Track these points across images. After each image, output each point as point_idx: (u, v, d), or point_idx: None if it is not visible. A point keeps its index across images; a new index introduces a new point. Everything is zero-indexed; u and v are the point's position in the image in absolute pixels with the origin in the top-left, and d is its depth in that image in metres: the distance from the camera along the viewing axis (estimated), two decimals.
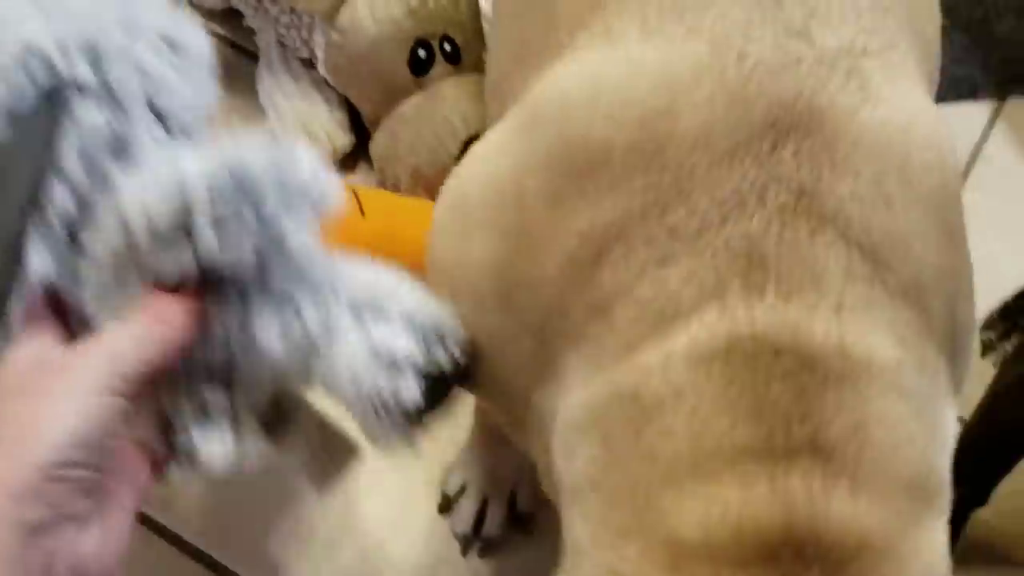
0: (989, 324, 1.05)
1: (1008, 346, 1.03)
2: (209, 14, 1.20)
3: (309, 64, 1.09)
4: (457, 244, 0.59)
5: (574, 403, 0.52)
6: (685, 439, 0.47)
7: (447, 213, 0.61)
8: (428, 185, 1.02)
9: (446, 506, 0.91)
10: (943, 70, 1.29)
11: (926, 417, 0.50)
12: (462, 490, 0.90)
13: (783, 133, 0.50)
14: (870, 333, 0.49)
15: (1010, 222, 1.14)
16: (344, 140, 1.08)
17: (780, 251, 0.49)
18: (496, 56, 0.72)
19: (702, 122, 0.50)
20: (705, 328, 0.48)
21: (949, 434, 0.53)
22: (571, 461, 0.52)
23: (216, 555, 0.88)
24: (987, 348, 1.04)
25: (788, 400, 0.47)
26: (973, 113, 1.26)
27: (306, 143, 1.06)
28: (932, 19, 0.65)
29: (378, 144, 1.06)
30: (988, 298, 1.08)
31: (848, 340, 0.48)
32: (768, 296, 0.48)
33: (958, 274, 0.55)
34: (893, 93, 0.53)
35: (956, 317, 0.54)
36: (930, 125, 0.54)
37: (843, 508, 0.46)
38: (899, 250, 0.51)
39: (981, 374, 1.04)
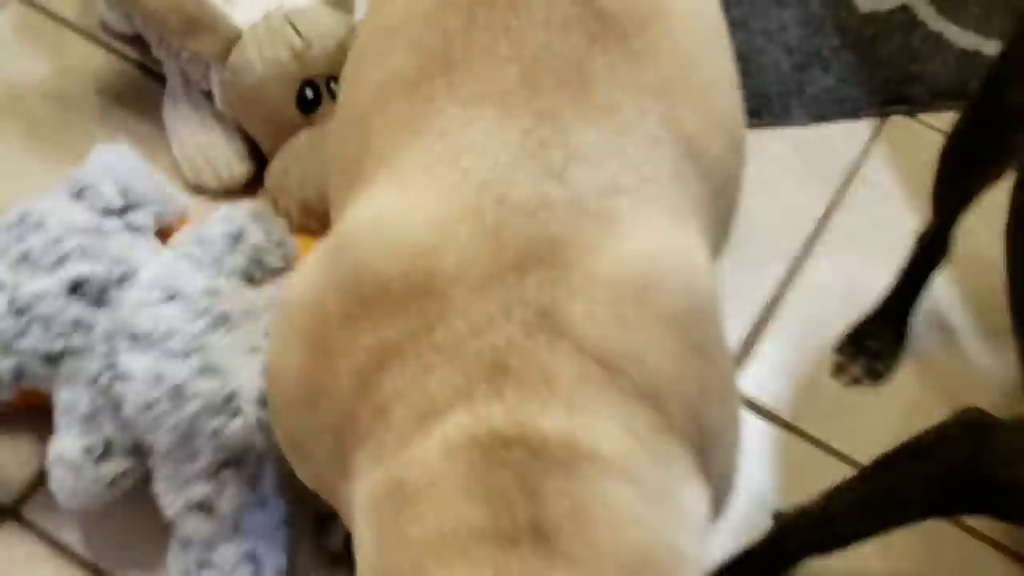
0: (840, 348, 1.13)
1: (856, 369, 1.11)
2: (121, 38, 1.26)
3: (211, 95, 1.15)
4: (279, 348, 0.67)
5: (361, 494, 0.59)
6: (432, 524, 0.54)
7: (278, 318, 0.68)
8: (318, 217, 1.08)
9: (321, 526, 0.99)
10: (829, 91, 1.36)
11: (662, 501, 0.57)
12: (334, 513, 0.98)
13: (529, 266, 0.58)
14: (600, 428, 0.56)
15: (878, 244, 1.21)
16: (241, 169, 1.14)
17: (521, 360, 0.56)
18: (333, 152, 0.77)
19: (462, 259, 0.58)
20: (455, 425, 0.56)
21: (694, 515, 0.60)
22: (360, 548, 0.59)
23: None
24: (838, 370, 1.12)
25: (515, 486, 0.54)
26: (855, 132, 1.32)
27: (205, 171, 1.13)
28: (721, 135, 0.70)
29: (272, 176, 1.12)
30: (852, 319, 1.16)
31: (577, 434, 0.55)
32: (507, 397, 0.56)
33: (703, 382, 0.61)
34: (641, 227, 0.60)
35: (702, 418, 0.61)
36: (677, 257, 0.61)
37: None
38: (634, 361, 0.58)
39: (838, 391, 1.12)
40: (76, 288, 0.85)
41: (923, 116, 1.33)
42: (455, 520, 0.54)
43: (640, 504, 0.56)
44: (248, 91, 1.08)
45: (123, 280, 0.85)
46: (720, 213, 0.71)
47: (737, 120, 0.73)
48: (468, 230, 0.58)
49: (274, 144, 1.12)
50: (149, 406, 0.82)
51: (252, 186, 1.17)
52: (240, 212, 0.92)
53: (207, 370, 0.82)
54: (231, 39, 1.08)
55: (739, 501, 0.85)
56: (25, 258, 0.85)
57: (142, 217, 0.91)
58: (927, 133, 1.31)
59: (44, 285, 0.84)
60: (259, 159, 1.16)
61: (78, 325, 0.84)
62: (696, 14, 0.70)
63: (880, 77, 1.34)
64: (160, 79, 1.22)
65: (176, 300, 0.84)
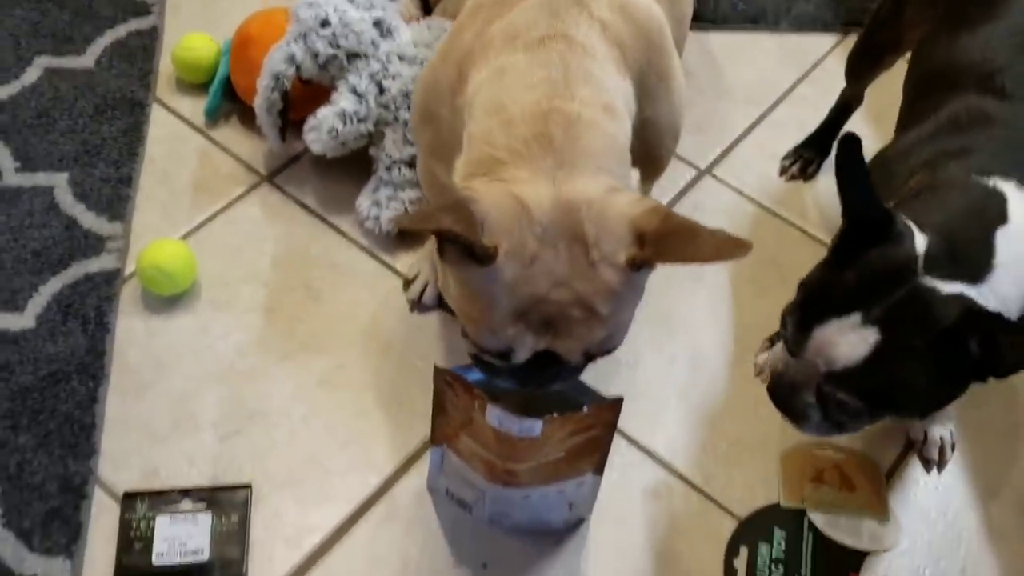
0: (785, 157, 1.74)
1: (794, 169, 1.72)
2: None
3: None
4: (433, 63, 1.23)
5: (475, 83, 1.13)
6: (517, 80, 1.07)
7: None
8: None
9: (406, 285, 1.50)
10: (808, 13, 1.95)
11: (611, 76, 1.10)
12: (416, 276, 1.49)
13: None
14: (596, 42, 1.10)
15: (823, 105, 1.79)
16: (416, 13, 1.80)
17: (564, 14, 1.09)
18: None
19: None
20: (529, 37, 1.09)
21: (626, 94, 1.12)
22: (471, 112, 1.12)
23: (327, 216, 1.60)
24: (782, 170, 1.73)
25: (557, 59, 1.06)
26: (823, 41, 1.93)
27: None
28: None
29: (437, 8, 1.77)
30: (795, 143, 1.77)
31: (586, 43, 1.09)
32: (556, 24, 1.07)
33: (648, 54, 1.17)
34: None
35: (644, 74, 1.16)
36: (647, 3, 1.19)
37: (574, 100, 1.03)
38: (614, 27, 1.12)
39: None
40: (376, 23, 1.50)
41: None
42: (525, 82, 1.06)
43: (601, 73, 1.10)
44: None
45: (393, 29, 1.52)
46: (675, 23, 1.29)
47: None
48: None
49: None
50: (406, 93, 1.47)
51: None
52: (439, 19, 1.60)
53: None
54: None
55: None
56: (351, 1, 1.50)
57: (399, 6, 1.59)
58: None
59: (360, 15, 1.49)
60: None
61: (372, 42, 1.49)
62: None
63: (844, 7, 1.96)
64: None
65: (422, 47, 1.51)
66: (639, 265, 0.98)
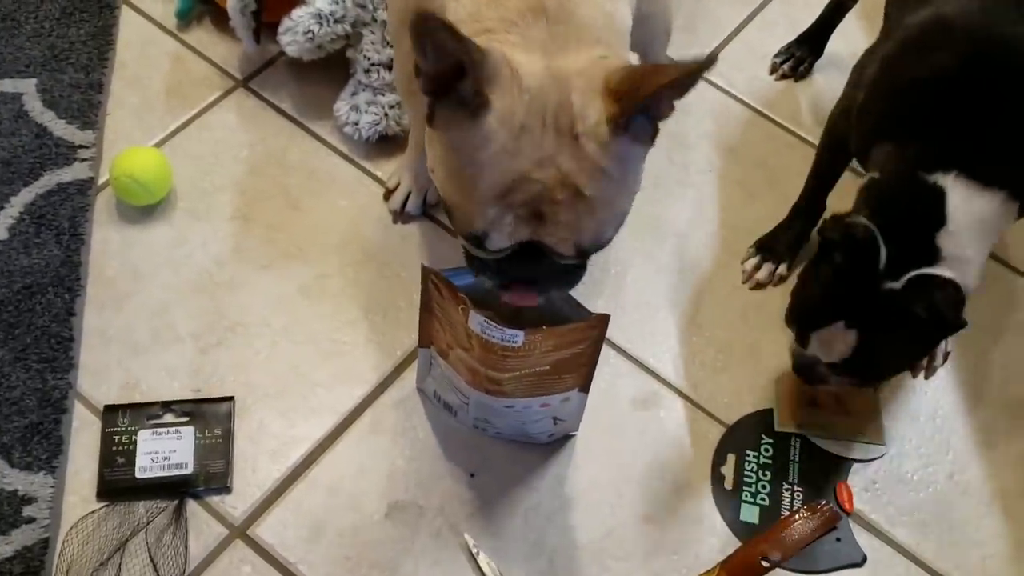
0: (777, 54, 1.69)
1: (785, 67, 1.67)
2: None
3: None
4: None
5: None
6: None
7: None
8: None
9: (387, 195, 1.47)
10: None
11: None
12: (397, 186, 1.46)
13: None
14: None
15: (815, 7, 1.75)
16: None
17: None
18: None
19: None
20: None
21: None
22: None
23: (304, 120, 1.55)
24: (773, 68, 1.68)
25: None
26: None
27: None
28: None
29: None
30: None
31: None
32: None
33: None
34: None
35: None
36: None
37: None
38: None
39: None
40: None
41: None
42: None
43: None
44: None
45: None
46: None
47: None
48: None
49: None
50: None
51: None
52: None
53: None
54: None
55: None
56: None
57: None
58: None
59: None
60: None
61: None
62: None
63: None
64: None
65: None
66: (617, 122, 0.93)
